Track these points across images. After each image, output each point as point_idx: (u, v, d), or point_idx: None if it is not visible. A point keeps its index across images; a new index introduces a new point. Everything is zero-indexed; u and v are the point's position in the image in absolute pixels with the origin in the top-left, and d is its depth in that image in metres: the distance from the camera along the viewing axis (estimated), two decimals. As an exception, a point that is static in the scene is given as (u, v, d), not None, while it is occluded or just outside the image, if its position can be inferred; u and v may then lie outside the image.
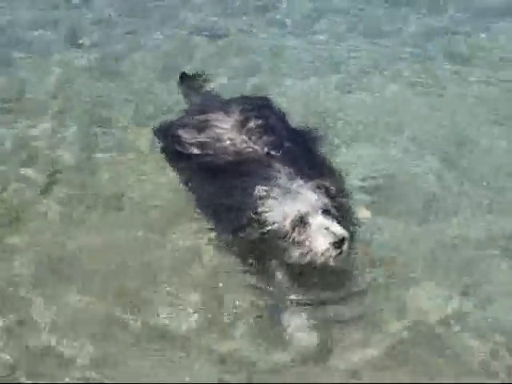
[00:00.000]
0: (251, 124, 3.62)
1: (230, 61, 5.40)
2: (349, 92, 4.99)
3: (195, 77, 4.76)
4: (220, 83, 4.97)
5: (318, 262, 3.08)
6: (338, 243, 3.02)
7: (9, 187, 4.04)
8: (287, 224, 3.09)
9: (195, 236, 3.63)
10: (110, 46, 5.59)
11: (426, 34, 5.64)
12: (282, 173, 3.31)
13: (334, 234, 3.02)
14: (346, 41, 5.61)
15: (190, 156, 3.70)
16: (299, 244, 3.11)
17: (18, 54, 5.46)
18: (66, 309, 3.26)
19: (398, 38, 5.62)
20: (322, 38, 5.65)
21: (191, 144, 3.71)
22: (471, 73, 5.13)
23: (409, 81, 5.08)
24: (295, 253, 3.14)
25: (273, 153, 3.50)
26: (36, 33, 5.73)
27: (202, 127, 3.73)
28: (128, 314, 3.22)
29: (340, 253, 3.06)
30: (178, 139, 3.78)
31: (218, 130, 3.64)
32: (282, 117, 3.96)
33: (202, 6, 6.13)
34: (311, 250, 3.07)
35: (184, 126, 3.84)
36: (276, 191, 3.17)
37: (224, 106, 3.87)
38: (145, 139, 4.38)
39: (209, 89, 4.71)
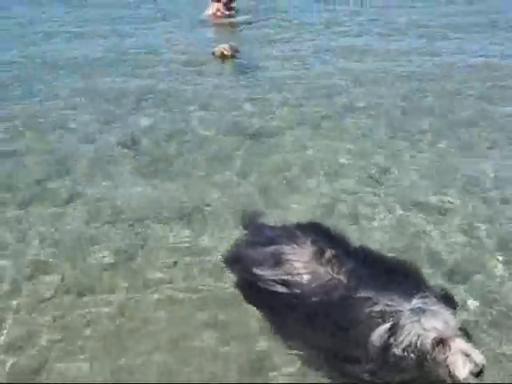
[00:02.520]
0: (328, 254, 3.62)
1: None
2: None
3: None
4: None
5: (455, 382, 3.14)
6: (478, 373, 3.06)
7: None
8: (428, 344, 3.10)
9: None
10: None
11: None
12: (385, 296, 3.32)
13: (475, 362, 3.05)
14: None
15: (274, 293, 3.62)
16: (438, 363, 3.14)
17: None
18: None
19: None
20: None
21: (273, 281, 3.66)
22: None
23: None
24: (434, 371, 3.18)
25: (360, 279, 3.49)
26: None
27: (276, 261, 3.71)
28: None
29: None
30: (256, 277, 3.72)
31: (296, 264, 3.63)
32: (347, 241, 3.94)
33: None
34: (449, 372, 3.11)
35: (257, 263, 3.77)
36: (403, 314, 3.20)
37: (291, 235, 3.82)
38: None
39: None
